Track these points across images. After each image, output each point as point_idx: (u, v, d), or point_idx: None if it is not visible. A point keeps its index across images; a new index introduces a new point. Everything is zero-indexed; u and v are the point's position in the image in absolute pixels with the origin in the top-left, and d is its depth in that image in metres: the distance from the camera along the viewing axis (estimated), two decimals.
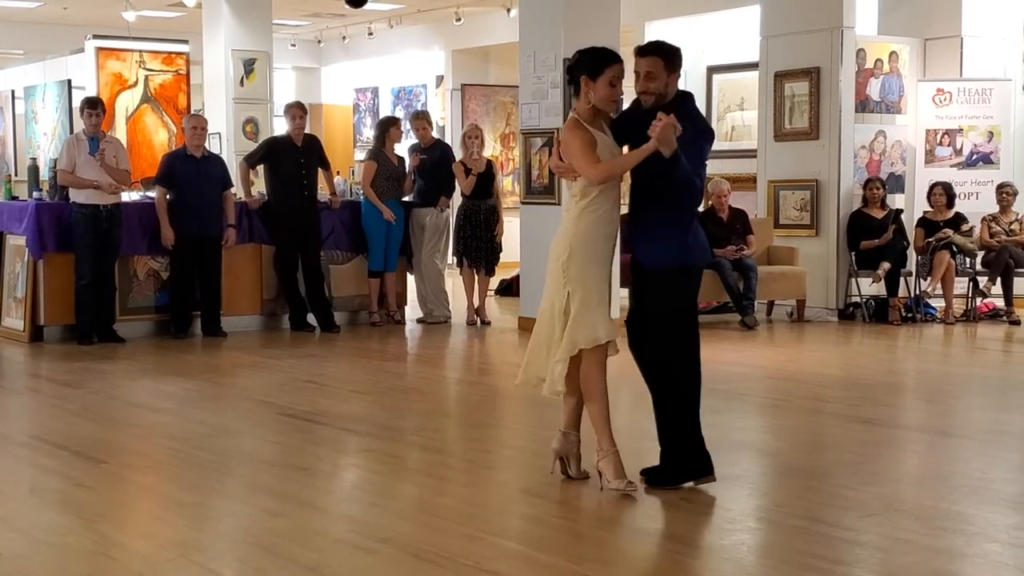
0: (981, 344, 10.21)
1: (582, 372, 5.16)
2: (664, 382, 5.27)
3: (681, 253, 5.18)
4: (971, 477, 5.64)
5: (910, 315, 11.21)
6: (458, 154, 11.22)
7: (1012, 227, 11.36)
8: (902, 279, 11.31)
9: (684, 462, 5.21)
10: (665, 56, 5.15)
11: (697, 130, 5.11)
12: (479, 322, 11.00)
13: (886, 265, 11.01)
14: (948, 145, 12.23)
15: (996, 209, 11.49)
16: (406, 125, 11.57)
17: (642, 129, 4.90)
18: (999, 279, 11.17)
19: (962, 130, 12.17)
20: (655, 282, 5.20)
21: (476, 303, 11.08)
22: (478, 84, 17.89)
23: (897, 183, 12.09)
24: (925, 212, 11.61)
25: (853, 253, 11.41)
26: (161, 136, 14.43)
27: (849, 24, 11.46)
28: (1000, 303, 11.38)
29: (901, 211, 11.52)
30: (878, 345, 10.13)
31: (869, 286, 11.42)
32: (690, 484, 5.19)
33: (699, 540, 4.62)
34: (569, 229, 5.14)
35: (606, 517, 4.88)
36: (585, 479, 5.29)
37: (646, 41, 5.35)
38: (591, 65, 5.10)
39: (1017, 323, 10.85)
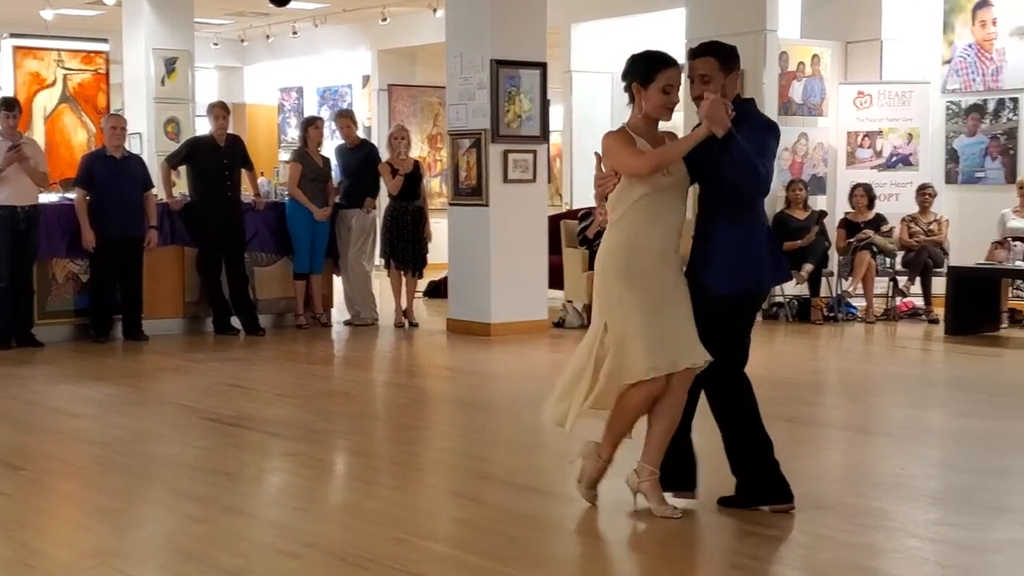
0: (901, 343, 10.37)
1: (624, 396, 4.71)
2: (721, 404, 4.90)
3: (746, 277, 4.78)
4: (891, 474, 5.72)
5: (832, 315, 11.36)
6: (384, 155, 11.17)
7: (931, 227, 11.55)
8: (824, 279, 11.46)
9: (759, 485, 4.86)
10: (719, 55, 4.81)
11: (762, 123, 4.80)
12: (407, 324, 10.95)
13: (809, 266, 11.14)
14: (869, 147, 12.40)
15: (915, 210, 11.68)
16: (331, 125, 11.48)
17: (707, 146, 4.59)
18: (918, 278, 11.37)
19: (882, 132, 12.36)
20: (713, 306, 4.74)
21: (404, 305, 11.03)
22: (405, 84, 17.82)
23: (819, 185, 12.23)
24: (846, 213, 11.77)
25: None
26: (80, 136, 14.21)
27: (772, 27, 11.57)
28: (919, 302, 11.57)
29: (825, 213, 11.66)
30: (801, 344, 10.25)
31: (792, 286, 11.55)
32: (765, 508, 4.84)
33: (627, 539, 4.62)
34: (606, 248, 4.78)
35: (536, 519, 4.87)
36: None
37: (700, 43, 4.91)
38: (643, 71, 4.72)
39: (936, 322, 11.03)
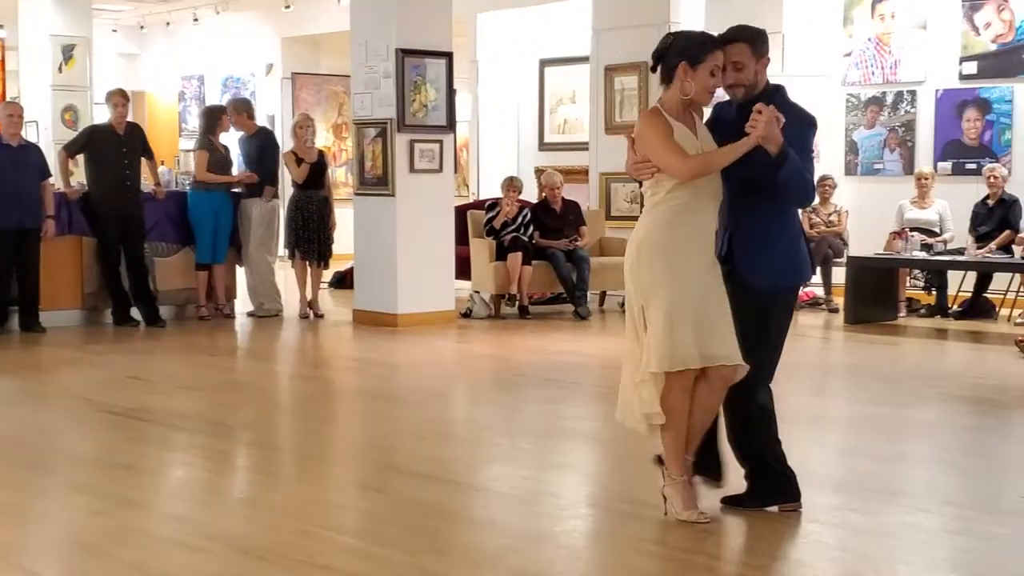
0: (802, 331, 10.52)
1: (661, 395, 4.43)
2: (742, 399, 4.62)
3: (794, 270, 4.64)
4: (794, 460, 5.78)
5: None
6: (288, 144, 11.03)
7: (831, 218, 11.74)
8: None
9: (769, 484, 4.72)
10: (751, 40, 4.57)
11: (800, 119, 4.55)
12: (312, 315, 10.85)
13: None
14: None
15: (816, 201, 11.85)
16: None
17: (736, 134, 4.37)
18: (819, 268, 11.55)
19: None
20: (760, 303, 4.52)
21: (309, 296, 10.92)
22: (309, 73, 17.64)
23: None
24: None
25: None
26: None
27: (675, 19, 11.67)
28: (820, 292, 11.76)
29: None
30: None
31: None
32: (774, 508, 4.71)
33: (532, 528, 4.62)
34: (638, 230, 4.49)
35: (441, 509, 4.85)
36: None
37: (729, 28, 4.66)
38: (694, 51, 4.44)
39: (836, 311, 11.22)
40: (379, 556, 4.22)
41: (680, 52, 4.45)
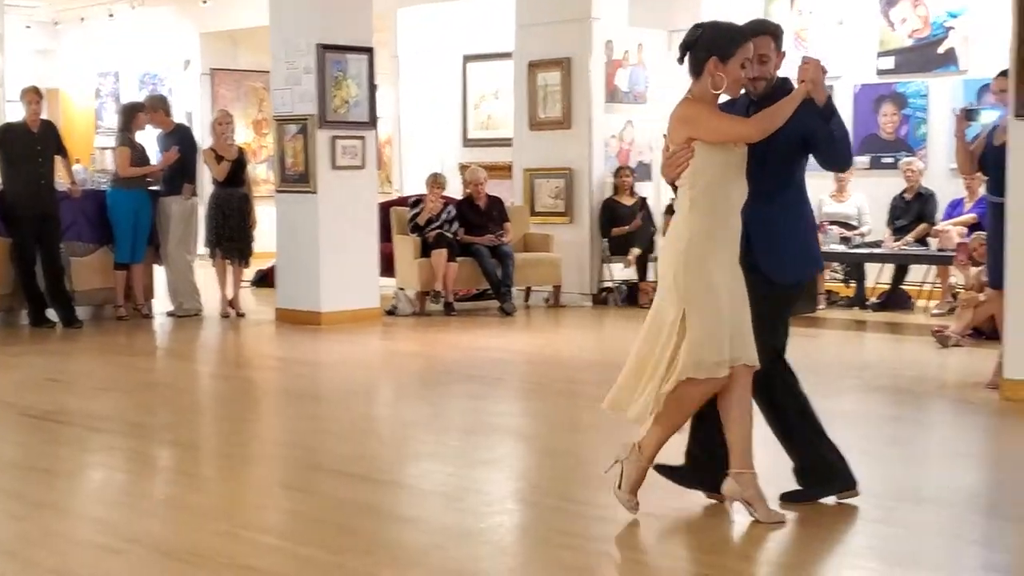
0: None
1: (682, 391, 4.33)
2: (775, 398, 4.66)
3: (812, 262, 4.67)
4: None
5: None
6: (208, 141, 10.90)
7: None
8: (651, 263, 11.66)
9: (826, 475, 4.67)
10: (775, 34, 4.55)
11: (810, 107, 4.47)
12: (233, 314, 10.72)
13: (636, 251, 11.34)
14: None
15: None
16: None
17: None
18: None
19: None
20: (782, 296, 4.53)
21: (230, 295, 10.80)
22: (228, 69, 17.44)
23: (645, 171, 12.43)
24: (672, 199, 11.97)
25: (605, 239, 11.69)
26: None
27: (597, 15, 11.72)
28: None
29: (646, 199, 11.86)
30: (630, 328, 10.36)
31: (621, 271, 11.74)
32: (832, 498, 4.67)
33: (458, 525, 4.61)
34: (681, 229, 4.33)
35: (366, 507, 4.82)
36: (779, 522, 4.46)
37: (751, 21, 4.68)
38: (724, 45, 4.34)
39: None
40: (303, 556, 4.18)
41: (710, 46, 4.36)
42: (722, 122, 4.35)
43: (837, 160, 4.62)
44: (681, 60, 4.46)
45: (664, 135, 4.47)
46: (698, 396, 4.37)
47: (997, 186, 6.90)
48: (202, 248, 10.96)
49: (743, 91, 4.54)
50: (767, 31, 4.55)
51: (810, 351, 9.11)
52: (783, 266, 4.52)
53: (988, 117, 7.16)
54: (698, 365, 4.28)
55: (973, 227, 10.11)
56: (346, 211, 10.26)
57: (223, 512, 4.75)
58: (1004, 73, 6.92)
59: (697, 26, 4.46)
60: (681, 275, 4.31)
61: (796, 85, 4.48)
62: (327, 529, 4.50)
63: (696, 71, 4.40)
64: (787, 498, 4.63)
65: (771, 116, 4.32)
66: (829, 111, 4.37)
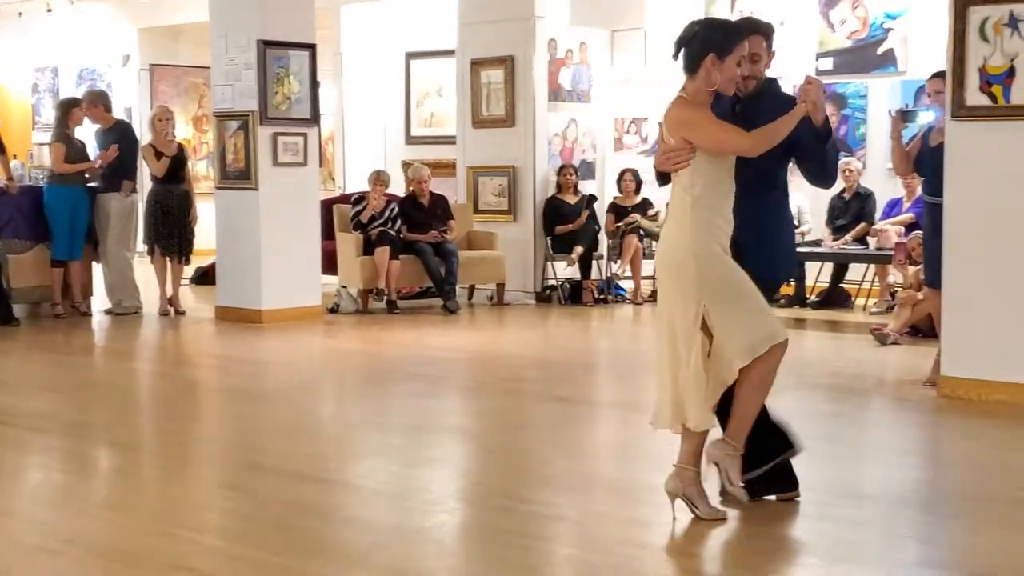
0: None
1: (764, 367, 4.34)
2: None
3: (793, 261, 4.68)
4: (659, 449, 5.86)
5: (602, 296, 11.62)
6: (147, 137, 10.78)
7: None
8: (594, 262, 11.71)
9: (771, 476, 4.68)
10: (767, 34, 4.57)
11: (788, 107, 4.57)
12: (173, 312, 10.61)
13: (579, 249, 11.37)
14: (635, 133, 12.72)
15: None
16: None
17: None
18: None
19: (647, 119, 12.69)
20: (764, 292, 4.48)
21: (169, 292, 10.69)
22: (168, 64, 17.26)
23: (589, 169, 12.48)
24: (614, 197, 12.04)
25: (549, 237, 11.71)
26: None
27: (541, 14, 11.74)
28: None
29: (595, 198, 11.90)
30: (573, 326, 10.44)
31: (564, 269, 11.77)
32: (772, 497, 4.71)
33: (402, 524, 4.59)
34: (685, 230, 4.33)
35: (309, 507, 4.78)
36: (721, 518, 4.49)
37: (743, 19, 4.77)
38: (721, 41, 4.33)
39: None
40: (245, 556, 4.15)
41: (707, 42, 4.34)
42: (722, 133, 4.33)
43: (824, 179, 4.69)
44: (676, 56, 4.44)
45: (660, 124, 4.45)
46: (773, 366, 4.39)
47: (933, 187, 6.99)
48: (141, 245, 10.84)
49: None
50: (759, 30, 4.56)
51: None
52: (770, 263, 4.57)
53: (924, 118, 7.24)
54: (752, 348, 4.30)
55: (911, 226, 10.25)
56: (288, 208, 10.19)
57: (163, 513, 4.70)
58: (938, 75, 7.03)
59: (694, 23, 4.45)
60: (693, 272, 4.30)
61: (779, 87, 4.56)
62: (268, 529, 4.47)
63: (692, 68, 4.38)
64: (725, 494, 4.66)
65: (770, 133, 4.34)
66: (826, 132, 4.42)
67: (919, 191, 9.66)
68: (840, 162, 11.09)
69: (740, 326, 4.32)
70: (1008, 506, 4.67)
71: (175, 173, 10.62)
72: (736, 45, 4.35)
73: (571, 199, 11.70)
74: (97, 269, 10.80)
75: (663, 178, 4.55)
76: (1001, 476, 5.14)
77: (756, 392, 4.41)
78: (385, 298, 10.89)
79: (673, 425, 4.48)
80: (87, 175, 10.49)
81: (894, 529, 4.51)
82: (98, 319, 10.48)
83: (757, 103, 4.48)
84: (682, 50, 4.41)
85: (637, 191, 11.87)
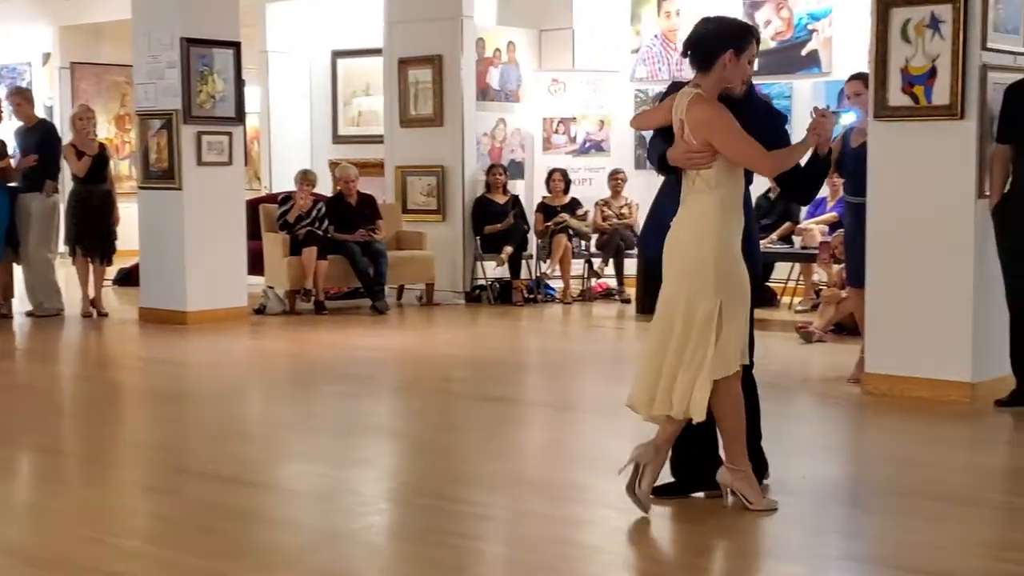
0: (597, 322, 10.74)
1: (727, 389, 4.42)
2: None
3: (757, 263, 4.74)
4: (589, 448, 5.90)
5: (532, 296, 11.63)
6: (68, 136, 10.60)
7: (623, 211, 12.00)
8: (524, 262, 11.72)
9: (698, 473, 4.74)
10: (759, 39, 4.64)
11: (776, 114, 4.79)
12: (95, 314, 10.45)
13: (509, 249, 11.37)
14: (563, 133, 12.75)
15: (608, 194, 12.10)
16: (6, 105, 10.81)
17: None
18: (612, 260, 11.80)
19: (576, 119, 12.73)
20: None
21: (92, 294, 10.52)
22: (89, 63, 17.00)
23: (518, 169, 12.49)
24: (544, 197, 12.06)
25: (478, 237, 11.70)
26: None
27: (468, 13, 11.72)
28: (613, 283, 12.01)
29: (517, 198, 11.91)
30: (503, 326, 10.45)
31: (494, 269, 11.77)
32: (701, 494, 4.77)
33: (330, 526, 4.56)
34: (708, 229, 4.36)
35: (235, 510, 4.73)
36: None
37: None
38: (740, 38, 4.42)
39: (628, 301, 11.47)
40: (170, 560, 4.09)
41: (726, 39, 4.41)
42: (746, 147, 4.37)
43: (804, 199, 4.97)
44: (686, 53, 4.50)
45: (681, 118, 4.47)
46: (738, 388, 4.45)
47: (854, 187, 7.08)
48: (62, 246, 10.66)
49: None
50: (755, 34, 4.62)
51: None
52: (753, 261, 4.62)
53: (845, 119, 7.34)
54: (728, 363, 4.38)
55: (835, 225, 10.38)
56: (212, 208, 10.08)
57: (87, 517, 4.62)
58: (857, 76, 7.13)
59: (707, 19, 4.52)
60: (715, 270, 4.35)
61: (756, 92, 4.65)
62: (194, 532, 4.42)
63: (707, 64, 4.42)
64: (658, 492, 4.66)
65: (786, 158, 4.47)
66: (825, 163, 4.64)
67: (842, 191, 9.82)
68: None
69: (743, 328, 4.43)
70: (929, 500, 4.75)
71: (97, 173, 10.46)
72: (750, 44, 4.44)
73: (500, 199, 11.71)
74: (18, 270, 10.60)
75: (666, 168, 4.57)
76: (923, 471, 5.22)
77: (732, 408, 4.46)
78: (313, 299, 10.82)
79: (649, 412, 4.51)
80: (7, 176, 10.29)
81: (819, 524, 4.57)
82: (19, 321, 10.29)
83: (742, 105, 4.50)
84: (696, 47, 4.46)
85: (566, 191, 11.91)
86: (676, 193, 4.56)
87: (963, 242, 6.49)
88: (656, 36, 12.62)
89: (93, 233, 10.40)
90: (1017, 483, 5.20)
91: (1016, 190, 6.35)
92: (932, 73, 6.49)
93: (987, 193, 6.48)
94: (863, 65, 7.37)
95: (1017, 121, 6.33)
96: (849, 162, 7.11)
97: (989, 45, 6.45)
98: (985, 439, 5.89)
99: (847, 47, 11.10)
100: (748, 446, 4.59)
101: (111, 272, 11.68)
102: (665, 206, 4.67)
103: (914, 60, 6.54)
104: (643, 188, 12.47)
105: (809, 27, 11.66)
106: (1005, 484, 5.16)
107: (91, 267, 10.51)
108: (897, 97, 6.61)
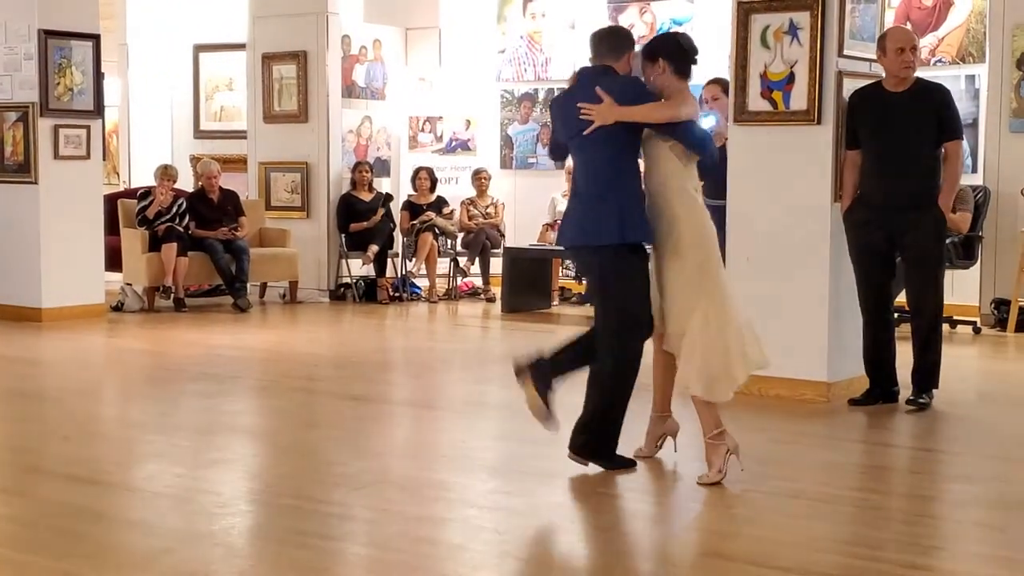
0: (462, 320, 10.75)
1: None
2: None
3: None
4: (453, 447, 5.91)
5: (398, 294, 11.60)
6: None
7: (488, 210, 12.04)
8: (389, 260, 11.67)
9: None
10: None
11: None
12: None
13: (374, 247, 11.32)
14: (430, 132, 12.74)
15: (474, 193, 12.13)
16: None
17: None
18: (477, 259, 11.84)
19: (442, 118, 12.73)
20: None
21: None
22: None
23: (384, 167, 12.44)
24: (409, 195, 12.04)
25: (343, 235, 11.62)
26: None
27: (334, 10, 11.65)
28: (479, 282, 12.05)
29: (391, 196, 11.86)
30: (368, 324, 10.39)
31: (359, 267, 11.70)
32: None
33: (188, 528, 4.47)
34: (695, 214, 5.04)
35: (90, 511, 4.61)
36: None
37: None
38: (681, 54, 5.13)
39: (492, 300, 11.52)
40: (21, 562, 3.98)
41: (664, 51, 5.17)
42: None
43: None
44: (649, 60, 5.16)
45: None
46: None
47: (714, 190, 7.20)
48: None
49: None
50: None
51: (545, 345, 9.32)
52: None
53: (706, 123, 7.48)
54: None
55: None
56: (70, 203, 9.84)
57: None
58: (715, 81, 7.28)
59: (671, 35, 5.45)
60: (704, 264, 5.00)
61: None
62: (48, 534, 4.30)
63: (644, 67, 5.14)
64: (572, 448, 5.08)
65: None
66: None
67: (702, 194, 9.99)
68: None
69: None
70: (785, 498, 4.86)
71: None
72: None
73: (366, 196, 11.64)
74: None
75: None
76: (779, 468, 5.35)
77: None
78: (172, 296, 10.61)
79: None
80: None
81: (678, 522, 4.64)
82: None
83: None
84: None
85: (432, 189, 11.90)
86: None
87: (819, 245, 6.66)
88: (522, 37, 12.69)
89: None
90: (870, 480, 5.37)
91: (864, 195, 6.54)
92: (790, 79, 6.66)
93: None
94: (724, 71, 7.52)
95: (864, 127, 6.52)
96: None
97: (845, 52, 6.64)
98: (840, 437, 6.06)
99: (708, 52, 11.24)
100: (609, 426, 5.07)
101: None
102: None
103: (773, 66, 6.70)
104: (509, 187, 12.57)
105: (671, 31, 11.85)
106: (859, 481, 5.31)
107: None
108: (756, 102, 6.76)
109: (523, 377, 5.06)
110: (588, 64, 5.26)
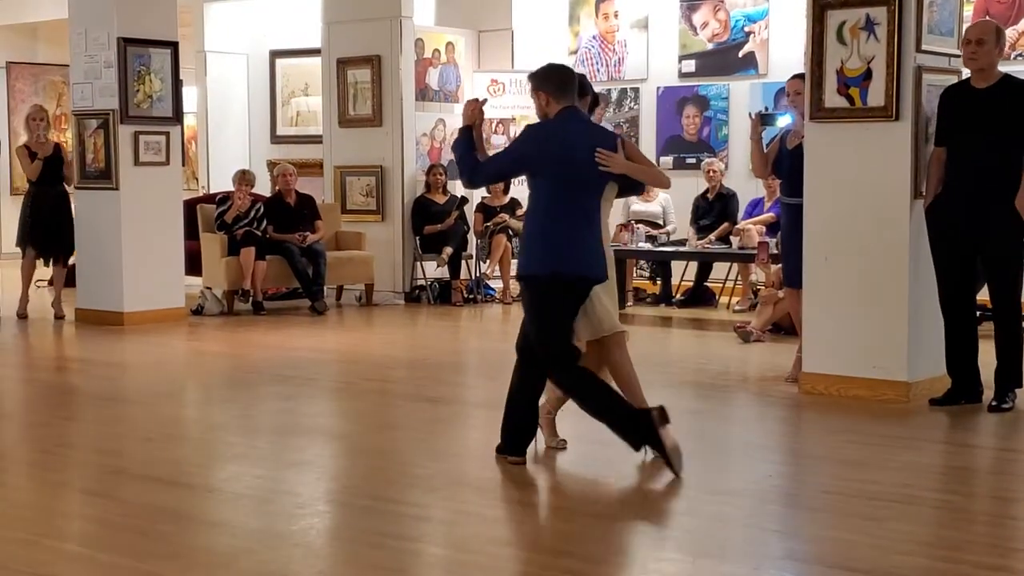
0: None
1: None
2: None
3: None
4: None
5: (472, 296, 11.63)
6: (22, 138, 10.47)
7: None
8: (463, 262, 11.71)
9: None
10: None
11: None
12: (54, 316, 10.31)
13: (449, 249, 11.36)
14: (503, 134, 12.76)
15: None
16: None
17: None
18: None
19: (515, 119, 12.75)
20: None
21: (51, 296, 10.40)
22: (26, 62, 16.78)
23: (457, 170, 12.45)
24: (483, 197, 12.06)
25: (417, 237, 11.68)
26: None
27: (407, 14, 11.72)
28: None
29: (466, 200, 11.89)
30: (442, 326, 10.43)
31: (434, 269, 11.75)
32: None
33: (268, 528, 4.53)
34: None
35: (172, 512, 4.69)
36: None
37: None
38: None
39: None
40: (107, 563, 4.05)
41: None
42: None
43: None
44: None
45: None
46: None
47: (790, 188, 7.16)
48: (13, 246, 10.53)
49: None
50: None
51: None
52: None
53: (782, 121, 7.41)
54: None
55: (772, 226, 10.48)
56: (150, 208, 10.00)
57: (23, 520, 4.56)
58: (799, 76, 7.19)
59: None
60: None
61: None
62: (132, 535, 4.37)
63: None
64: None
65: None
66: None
67: (779, 192, 9.91)
68: (704, 162, 11.44)
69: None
70: (866, 499, 4.80)
71: (53, 174, 10.31)
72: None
73: (440, 199, 11.69)
74: None
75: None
76: (859, 470, 5.29)
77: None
78: (251, 299, 10.74)
79: None
80: None
81: (758, 524, 4.61)
82: None
83: None
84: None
85: (506, 191, 11.92)
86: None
87: (899, 243, 6.57)
88: (594, 37, 12.66)
89: (46, 234, 10.24)
90: (952, 481, 5.29)
91: (946, 192, 6.44)
92: (867, 75, 6.57)
93: (923, 193, 6.57)
94: (799, 67, 7.44)
95: (949, 124, 6.42)
96: (785, 163, 7.18)
97: (924, 47, 6.54)
98: (920, 438, 5.97)
99: (783, 49, 11.21)
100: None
101: (46, 273, 11.53)
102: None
103: (849, 62, 6.62)
104: None
105: (746, 29, 11.76)
106: (940, 483, 5.23)
107: (52, 269, 10.42)
108: (833, 99, 6.68)
109: (662, 425, 5.09)
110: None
